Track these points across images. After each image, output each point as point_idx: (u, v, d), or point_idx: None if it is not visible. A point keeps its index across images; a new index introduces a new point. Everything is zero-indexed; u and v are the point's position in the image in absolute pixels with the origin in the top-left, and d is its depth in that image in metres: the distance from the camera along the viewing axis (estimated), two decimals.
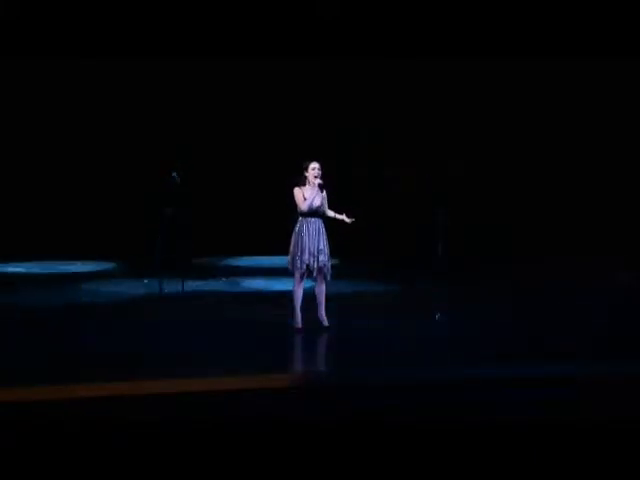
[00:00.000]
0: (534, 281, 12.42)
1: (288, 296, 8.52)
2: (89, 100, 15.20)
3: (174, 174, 10.16)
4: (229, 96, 15.47)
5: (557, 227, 15.19)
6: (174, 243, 10.38)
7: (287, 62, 14.63)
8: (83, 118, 15.32)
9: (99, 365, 6.73)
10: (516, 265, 13.75)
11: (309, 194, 8.18)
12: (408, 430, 5.24)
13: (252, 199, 15.31)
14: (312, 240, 8.13)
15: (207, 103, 15.51)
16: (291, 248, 8.22)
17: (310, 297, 8.31)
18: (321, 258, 8.15)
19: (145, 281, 11.47)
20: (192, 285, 10.93)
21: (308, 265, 8.13)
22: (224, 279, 12.40)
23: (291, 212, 8.29)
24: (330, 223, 8.34)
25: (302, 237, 8.14)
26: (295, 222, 8.24)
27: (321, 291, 8.28)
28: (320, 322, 8.31)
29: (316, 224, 8.20)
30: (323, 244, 8.18)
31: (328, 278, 8.27)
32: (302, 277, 8.22)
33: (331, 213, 8.37)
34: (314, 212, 8.19)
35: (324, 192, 8.27)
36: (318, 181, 8.18)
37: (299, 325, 8.27)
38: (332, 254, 8.27)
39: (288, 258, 8.26)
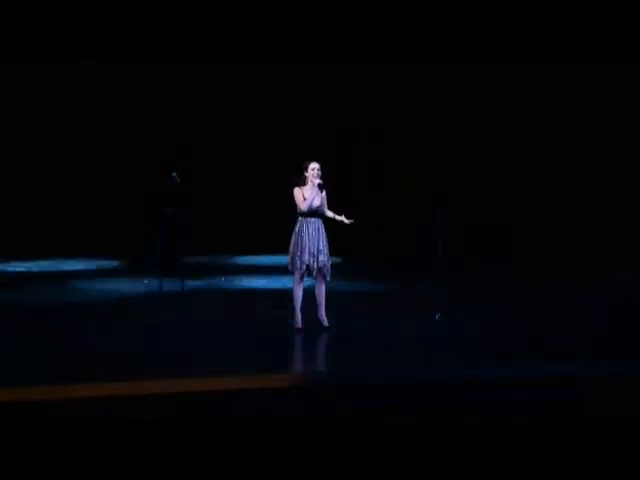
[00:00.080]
0: (534, 281, 12.43)
1: (288, 296, 8.52)
2: (89, 100, 15.22)
3: (174, 174, 10.17)
4: (229, 96, 15.48)
5: (557, 227, 15.20)
6: (174, 243, 10.39)
7: (287, 62, 14.65)
8: (83, 118, 15.35)
9: (99, 365, 6.71)
10: (516, 265, 13.77)
11: (309, 194, 8.17)
12: (408, 430, 5.24)
13: (252, 199, 15.32)
14: (312, 240, 8.13)
15: (207, 103, 15.52)
16: (291, 248, 8.21)
17: (310, 297, 8.30)
18: (321, 258, 8.14)
19: (145, 281, 11.47)
20: (192, 285, 10.93)
21: (308, 265, 8.13)
22: (224, 279, 12.41)
23: (291, 212, 8.28)
24: (330, 223, 8.34)
25: (302, 237, 8.13)
26: (295, 222, 8.25)
27: (321, 291, 8.28)
28: (320, 322, 8.30)
29: (316, 224, 8.20)
30: (323, 244, 8.18)
31: (328, 278, 8.26)
32: (302, 277, 8.22)
33: (330, 214, 8.36)
34: (314, 212, 8.18)
35: (324, 192, 8.27)
36: (318, 181, 8.18)
37: (299, 325, 8.26)
38: (332, 254, 8.27)
39: (288, 258, 8.27)
